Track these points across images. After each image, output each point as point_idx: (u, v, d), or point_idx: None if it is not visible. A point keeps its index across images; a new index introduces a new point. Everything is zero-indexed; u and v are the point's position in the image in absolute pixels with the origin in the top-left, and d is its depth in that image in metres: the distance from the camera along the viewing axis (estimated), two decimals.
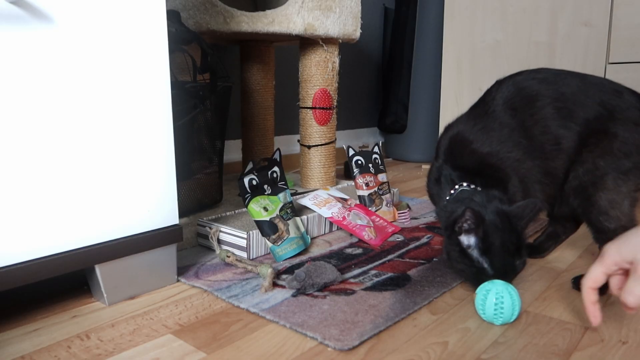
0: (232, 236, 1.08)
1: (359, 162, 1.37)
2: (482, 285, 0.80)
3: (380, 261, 1.06)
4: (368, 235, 1.18)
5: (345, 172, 2.03)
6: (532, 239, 1.15)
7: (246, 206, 1.06)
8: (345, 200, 1.31)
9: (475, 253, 0.84)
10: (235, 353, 0.70)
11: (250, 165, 1.09)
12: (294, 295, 0.88)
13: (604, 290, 0.90)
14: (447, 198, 0.94)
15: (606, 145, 0.87)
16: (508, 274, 0.84)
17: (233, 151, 1.91)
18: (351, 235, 1.24)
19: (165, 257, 0.92)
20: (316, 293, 0.89)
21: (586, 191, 0.88)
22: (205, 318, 0.81)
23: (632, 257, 0.62)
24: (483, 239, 0.83)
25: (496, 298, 0.77)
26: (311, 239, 1.20)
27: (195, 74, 1.18)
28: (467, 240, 0.84)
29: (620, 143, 0.86)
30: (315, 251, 1.13)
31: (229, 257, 1.00)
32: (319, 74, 1.50)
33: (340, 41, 1.53)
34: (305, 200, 1.25)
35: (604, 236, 0.90)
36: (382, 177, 1.40)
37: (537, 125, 0.91)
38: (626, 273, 0.66)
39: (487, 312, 0.78)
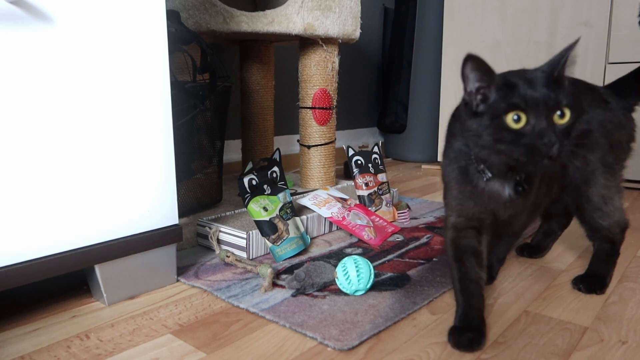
0: (231, 236, 1.08)
1: (359, 162, 1.37)
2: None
3: (379, 261, 1.06)
4: (368, 235, 1.18)
5: (345, 172, 2.04)
6: (528, 240, 1.15)
7: (246, 206, 1.06)
8: (345, 200, 1.31)
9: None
10: (234, 353, 0.70)
11: (249, 165, 1.09)
12: (293, 295, 0.88)
13: (602, 289, 0.91)
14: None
15: (593, 141, 0.87)
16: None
17: (233, 151, 1.91)
18: (351, 235, 1.24)
19: (164, 257, 0.92)
20: (316, 293, 0.89)
21: (578, 188, 0.89)
22: (205, 318, 0.81)
23: None
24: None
25: (343, 271, 0.87)
26: (311, 239, 1.20)
27: (195, 74, 1.18)
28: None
29: (604, 138, 0.87)
30: (315, 251, 1.13)
31: (228, 257, 1.00)
32: (318, 74, 1.50)
33: (340, 41, 1.53)
34: (305, 200, 1.25)
35: (597, 234, 0.91)
36: (381, 177, 1.40)
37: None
38: None
39: (342, 284, 0.88)
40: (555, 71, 0.66)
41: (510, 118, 0.64)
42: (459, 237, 0.79)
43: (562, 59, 0.66)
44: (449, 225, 0.80)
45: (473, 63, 0.65)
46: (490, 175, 0.74)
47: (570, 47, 0.67)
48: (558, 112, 0.64)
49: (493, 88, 0.66)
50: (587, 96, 0.89)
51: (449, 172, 0.79)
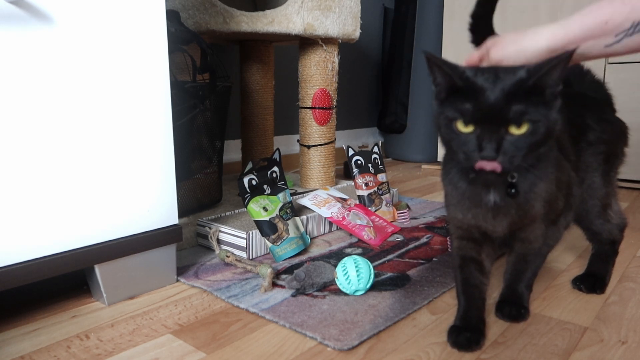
0: (231, 236, 1.08)
1: (359, 162, 1.37)
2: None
3: (379, 261, 1.06)
4: (367, 235, 1.18)
5: (345, 172, 2.04)
6: None
7: (246, 206, 1.06)
8: (345, 200, 1.31)
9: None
10: (234, 353, 0.70)
11: (249, 165, 1.09)
12: (293, 295, 0.88)
13: (602, 288, 0.91)
14: None
15: (585, 137, 0.86)
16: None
17: (233, 151, 1.91)
18: (351, 235, 1.24)
19: (164, 257, 0.92)
20: (316, 293, 0.89)
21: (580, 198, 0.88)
22: (205, 318, 0.81)
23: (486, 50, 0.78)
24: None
25: (343, 271, 0.87)
26: (311, 238, 1.20)
27: (195, 74, 1.18)
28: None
29: (603, 153, 0.86)
30: (315, 251, 1.13)
31: (228, 257, 1.00)
32: (318, 73, 1.50)
33: (340, 41, 1.53)
34: (305, 200, 1.25)
35: (598, 237, 0.91)
36: (381, 177, 1.40)
37: None
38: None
39: (341, 284, 0.88)
40: (530, 79, 0.59)
41: (459, 123, 0.62)
42: (460, 247, 0.77)
43: (544, 68, 0.59)
44: (452, 234, 0.79)
45: (431, 61, 0.64)
46: (474, 174, 0.65)
47: (561, 59, 0.59)
48: (513, 125, 0.59)
49: (449, 87, 0.63)
50: (589, 108, 0.88)
51: (443, 170, 0.75)
